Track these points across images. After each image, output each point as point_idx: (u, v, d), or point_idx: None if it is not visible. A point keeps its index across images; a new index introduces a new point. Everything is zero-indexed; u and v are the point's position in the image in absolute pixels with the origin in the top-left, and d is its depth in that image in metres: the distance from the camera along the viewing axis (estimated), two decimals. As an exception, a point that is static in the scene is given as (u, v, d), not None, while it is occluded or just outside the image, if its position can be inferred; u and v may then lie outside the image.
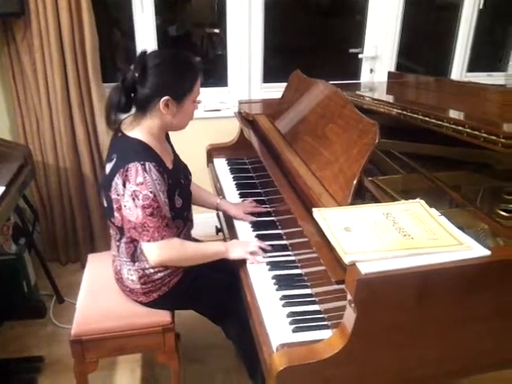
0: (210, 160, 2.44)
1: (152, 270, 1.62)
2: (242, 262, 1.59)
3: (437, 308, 1.12)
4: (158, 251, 1.50)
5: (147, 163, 1.44)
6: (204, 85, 2.65)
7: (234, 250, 1.60)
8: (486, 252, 1.10)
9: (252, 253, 1.59)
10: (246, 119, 2.29)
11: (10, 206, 2.00)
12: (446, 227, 1.19)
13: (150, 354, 1.96)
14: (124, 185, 1.44)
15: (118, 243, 1.62)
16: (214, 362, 2.13)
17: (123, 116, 1.58)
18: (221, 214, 1.99)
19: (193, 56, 1.56)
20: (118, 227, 1.57)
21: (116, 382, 2.05)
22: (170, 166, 1.59)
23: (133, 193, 1.43)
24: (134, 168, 1.42)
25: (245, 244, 1.64)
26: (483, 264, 1.09)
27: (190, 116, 1.59)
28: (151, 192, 1.43)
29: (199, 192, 1.93)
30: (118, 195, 1.48)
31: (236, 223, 1.84)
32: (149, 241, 1.48)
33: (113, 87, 1.51)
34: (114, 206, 1.51)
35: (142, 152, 1.48)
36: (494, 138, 1.39)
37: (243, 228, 1.80)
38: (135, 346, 1.67)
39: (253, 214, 1.86)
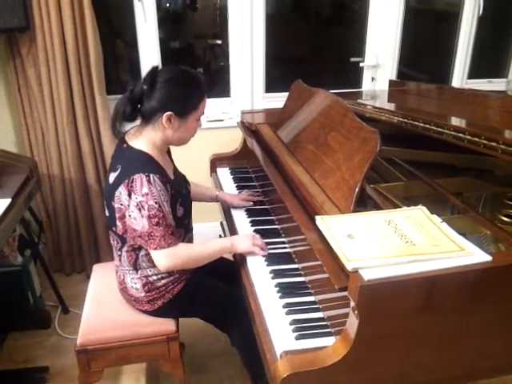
0: (213, 169, 2.46)
1: (155, 277, 1.63)
2: (246, 268, 1.60)
3: (439, 314, 1.12)
4: (166, 258, 1.52)
5: (151, 175, 1.46)
6: (207, 95, 2.66)
7: (240, 243, 1.65)
8: (488, 258, 1.10)
9: (256, 245, 1.64)
10: (249, 129, 2.30)
11: (15, 218, 2.02)
12: (448, 233, 1.20)
13: (155, 363, 1.96)
14: (129, 195, 1.46)
15: (119, 253, 1.64)
16: (218, 370, 2.13)
17: (128, 126, 1.61)
18: (224, 222, 2.01)
19: (201, 75, 1.60)
20: (120, 236, 1.59)
21: (121, 392, 2.06)
22: (171, 176, 1.62)
23: (139, 203, 1.45)
24: (139, 179, 1.45)
25: (250, 237, 1.68)
26: (485, 269, 1.09)
27: (192, 133, 1.62)
28: (156, 202, 1.46)
29: (198, 188, 1.98)
30: (121, 205, 1.50)
31: (239, 231, 1.84)
32: (155, 249, 1.50)
33: (121, 97, 1.55)
34: (116, 215, 1.53)
35: (146, 163, 1.51)
36: (494, 144, 1.40)
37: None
38: (140, 355, 1.68)
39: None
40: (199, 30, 3.30)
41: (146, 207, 1.45)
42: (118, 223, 1.54)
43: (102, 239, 2.78)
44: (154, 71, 1.52)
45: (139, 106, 1.52)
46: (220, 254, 1.67)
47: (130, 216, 1.49)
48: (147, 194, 1.45)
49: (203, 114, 1.60)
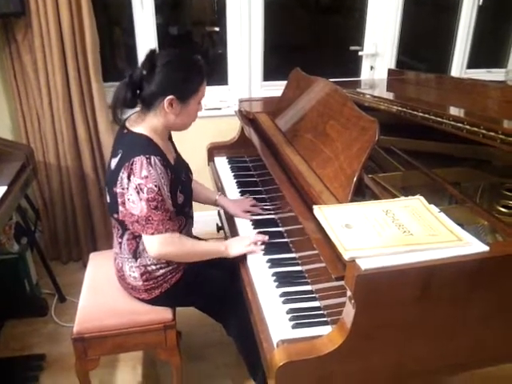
0: (210, 158, 2.45)
1: (154, 267, 1.63)
2: (243, 259, 1.60)
3: (436, 303, 1.12)
4: (159, 244, 1.51)
5: (152, 157, 1.45)
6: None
7: (233, 248, 1.62)
8: (485, 248, 1.10)
9: (250, 244, 1.61)
10: (247, 117, 2.29)
11: (12, 206, 2.01)
12: (446, 223, 1.19)
13: (152, 351, 1.97)
14: (129, 178, 1.45)
15: (120, 240, 1.63)
16: (214, 359, 2.14)
17: (129, 112, 1.59)
18: (222, 211, 2.00)
19: (200, 58, 1.58)
20: (121, 222, 1.58)
21: (117, 379, 2.07)
22: (172, 162, 1.61)
23: (137, 186, 1.44)
24: (139, 161, 1.44)
25: (243, 239, 1.65)
26: (482, 260, 1.09)
27: (194, 117, 1.61)
28: (156, 186, 1.44)
29: (200, 189, 1.95)
30: (122, 189, 1.49)
31: (237, 221, 1.84)
32: (153, 233, 1.49)
33: (120, 82, 1.53)
34: (119, 200, 1.52)
35: (146, 146, 1.50)
36: (492, 134, 1.39)
37: (244, 225, 1.81)
38: (137, 343, 1.68)
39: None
40: (197, 17, 3.26)
41: (144, 190, 1.44)
42: (121, 208, 1.52)
43: (99, 227, 2.78)
44: (151, 55, 1.49)
45: (139, 91, 1.50)
46: (212, 257, 1.63)
47: (128, 200, 1.47)
48: (146, 177, 1.43)
49: (204, 96, 1.58)
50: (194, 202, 1.89)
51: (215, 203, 1.96)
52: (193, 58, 1.56)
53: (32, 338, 2.28)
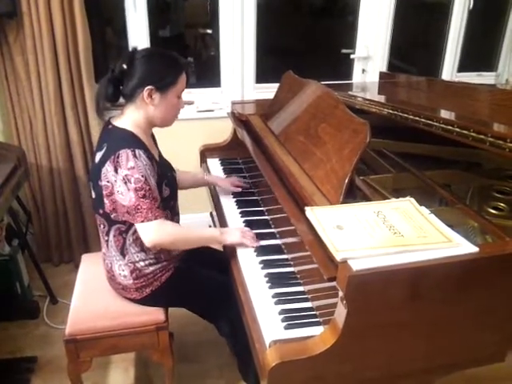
0: (203, 160, 2.45)
1: (143, 264, 1.64)
2: (235, 259, 1.61)
3: (427, 304, 1.14)
4: (152, 231, 1.52)
5: (137, 150, 1.49)
6: (197, 85, 2.66)
7: (230, 235, 1.65)
8: (475, 249, 1.12)
9: (246, 238, 1.64)
10: (239, 119, 2.30)
11: (3, 208, 2.00)
12: (436, 225, 1.21)
13: (144, 352, 1.97)
14: (116, 171, 1.48)
15: (106, 238, 1.64)
16: (207, 360, 2.14)
17: (112, 107, 1.63)
18: (214, 213, 2.01)
19: (180, 56, 1.63)
20: (107, 216, 1.58)
21: (110, 381, 2.06)
22: (157, 158, 1.64)
23: (124, 177, 1.47)
24: (125, 154, 1.47)
25: (239, 230, 1.68)
26: (471, 260, 1.11)
27: (175, 111, 1.63)
28: (142, 176, 1.47)
29: (185, 174, 1.99)
30: (108, 182, 1.51)
31: (229, 221, 1.85)
32: (142, 221, 1.50)
33: (103, 78, 1.58)
34: (104, 193, 1.53)
35: (131, 140, 1.54)
36: (482, 137, 1.41)
37: (237, 225, 1.81)
38: (129, 344, 1.68)
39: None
40: (190, 19, 3.27)
41: (132, 180, 1.46)
42: (106, 201, 1.54)
43: (91, 229, 2.76)
44: (132, 51, 1.56)
45: (121, 87, 1.56)
46: (207, 242, 1.70)
47: (118, 192, 1.50)
48: (133, 168, 1.46)
49: (183, 90, 1.62)
50: (185, 206, 1.90)
51: (204, 181, 2.06)
52: (171, 52, 1.61)
53: (24, 340, 2.27)
